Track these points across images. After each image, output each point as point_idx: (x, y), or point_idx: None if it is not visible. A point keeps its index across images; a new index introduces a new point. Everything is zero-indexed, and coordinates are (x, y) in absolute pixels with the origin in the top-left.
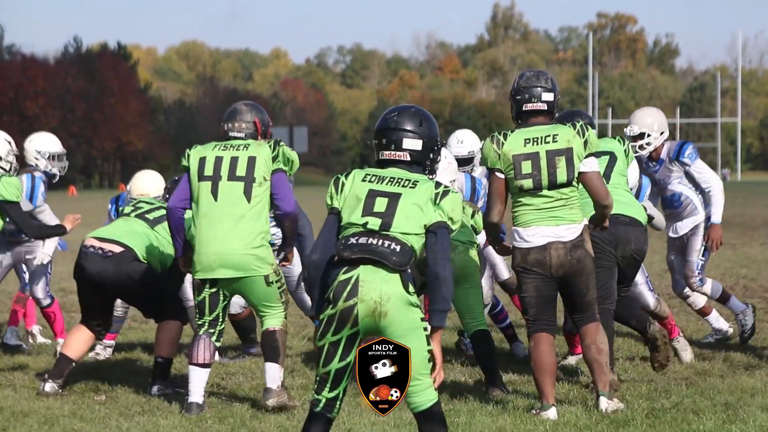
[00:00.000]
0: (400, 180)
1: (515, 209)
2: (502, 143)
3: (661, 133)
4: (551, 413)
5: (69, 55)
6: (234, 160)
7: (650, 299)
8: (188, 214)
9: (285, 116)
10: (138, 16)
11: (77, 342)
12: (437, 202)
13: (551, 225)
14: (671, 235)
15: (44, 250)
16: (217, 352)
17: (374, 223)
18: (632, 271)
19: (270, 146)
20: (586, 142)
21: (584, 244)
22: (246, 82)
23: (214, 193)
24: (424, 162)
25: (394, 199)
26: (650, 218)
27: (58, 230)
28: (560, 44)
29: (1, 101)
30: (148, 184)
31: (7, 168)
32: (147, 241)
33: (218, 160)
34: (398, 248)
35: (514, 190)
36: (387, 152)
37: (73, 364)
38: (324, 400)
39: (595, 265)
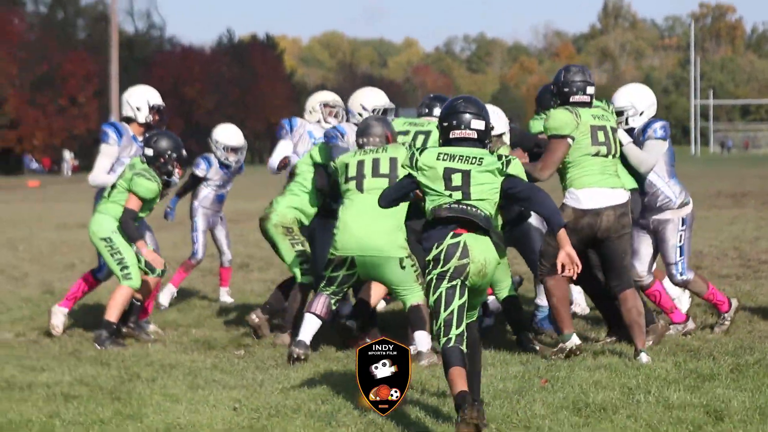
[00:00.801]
0: (468, 157)
1: (574, 172)
2: (579, 114)
3: (641, 114)
4: (575, 340)
5: (223, 46)
6: (376, 161)
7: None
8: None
9: (416, 99)
10: (284, 9)
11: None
12: (503, 169)
13: (607, 187)
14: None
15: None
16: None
17: (456, 195)
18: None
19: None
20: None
21: (629, 211)
22: (381, 68)
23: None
24: (484, 140)
25: (466, 174)
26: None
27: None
28: (665, 32)
29: (163, 87)
30: None
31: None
32: None
33: (360, 163)
34: (482, 214)
35: (578, 155)
36: (458, 131)
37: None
38: (454, 337)
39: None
